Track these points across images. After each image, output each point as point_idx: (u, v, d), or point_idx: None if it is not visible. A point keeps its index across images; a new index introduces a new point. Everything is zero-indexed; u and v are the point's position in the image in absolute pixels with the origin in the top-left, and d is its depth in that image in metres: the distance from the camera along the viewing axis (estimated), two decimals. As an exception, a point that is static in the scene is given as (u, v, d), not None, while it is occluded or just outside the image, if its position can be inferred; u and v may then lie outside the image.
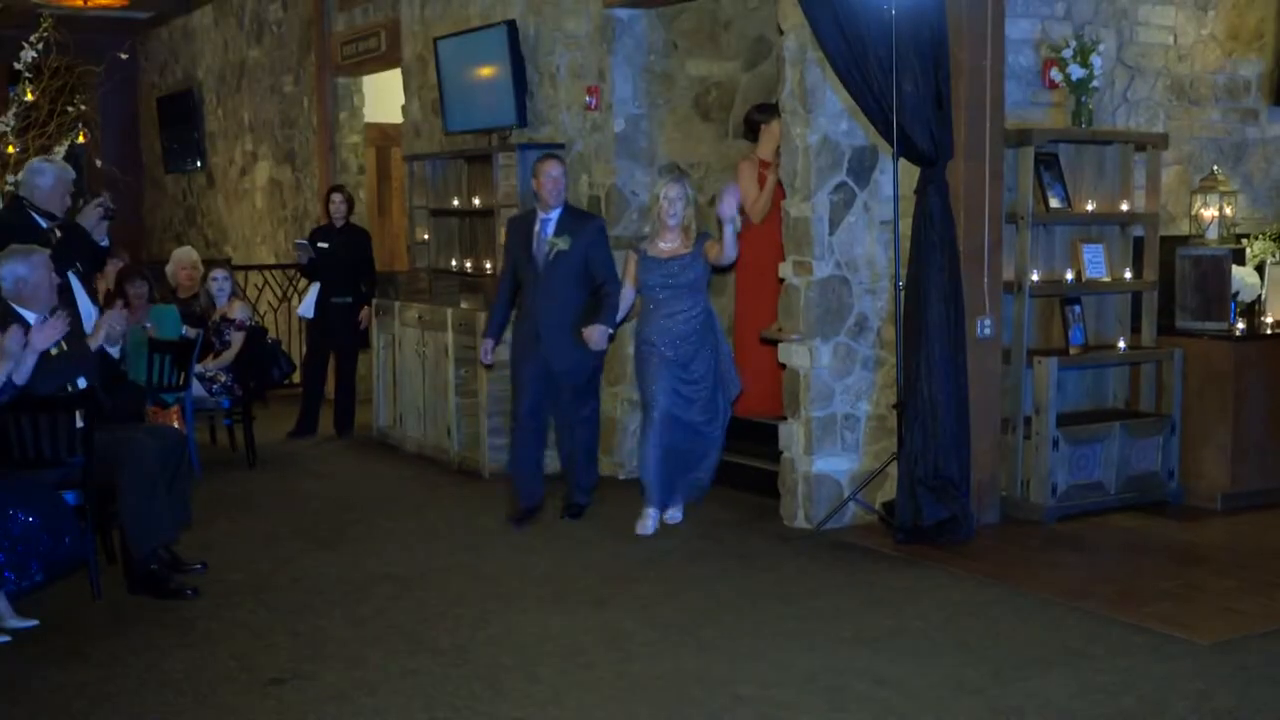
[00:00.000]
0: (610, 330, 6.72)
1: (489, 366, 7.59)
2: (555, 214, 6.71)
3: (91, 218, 6.36)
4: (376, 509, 7.36)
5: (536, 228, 6.74)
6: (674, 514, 6.82)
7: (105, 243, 6.55)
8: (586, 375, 6.85)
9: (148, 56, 16.12)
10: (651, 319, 6.58)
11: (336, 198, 9.75)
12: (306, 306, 9.89)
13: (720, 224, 6.45)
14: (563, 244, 6.64)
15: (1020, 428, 6.78)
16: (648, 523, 6.62)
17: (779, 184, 7.06)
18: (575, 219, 6.79)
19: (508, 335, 7.10)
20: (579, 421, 6.91)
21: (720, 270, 6.97)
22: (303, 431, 9.66)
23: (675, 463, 6.67)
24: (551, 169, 6.71)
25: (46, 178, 6.32)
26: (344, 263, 9.57)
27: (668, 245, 6.55)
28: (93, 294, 6.56)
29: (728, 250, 6.43)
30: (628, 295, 6.75)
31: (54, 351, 5.58)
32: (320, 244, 9.61)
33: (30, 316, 5.55)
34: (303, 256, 9.69)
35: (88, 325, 6.06)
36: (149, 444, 5.73)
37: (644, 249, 6.63)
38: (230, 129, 14.04)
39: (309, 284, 10.03)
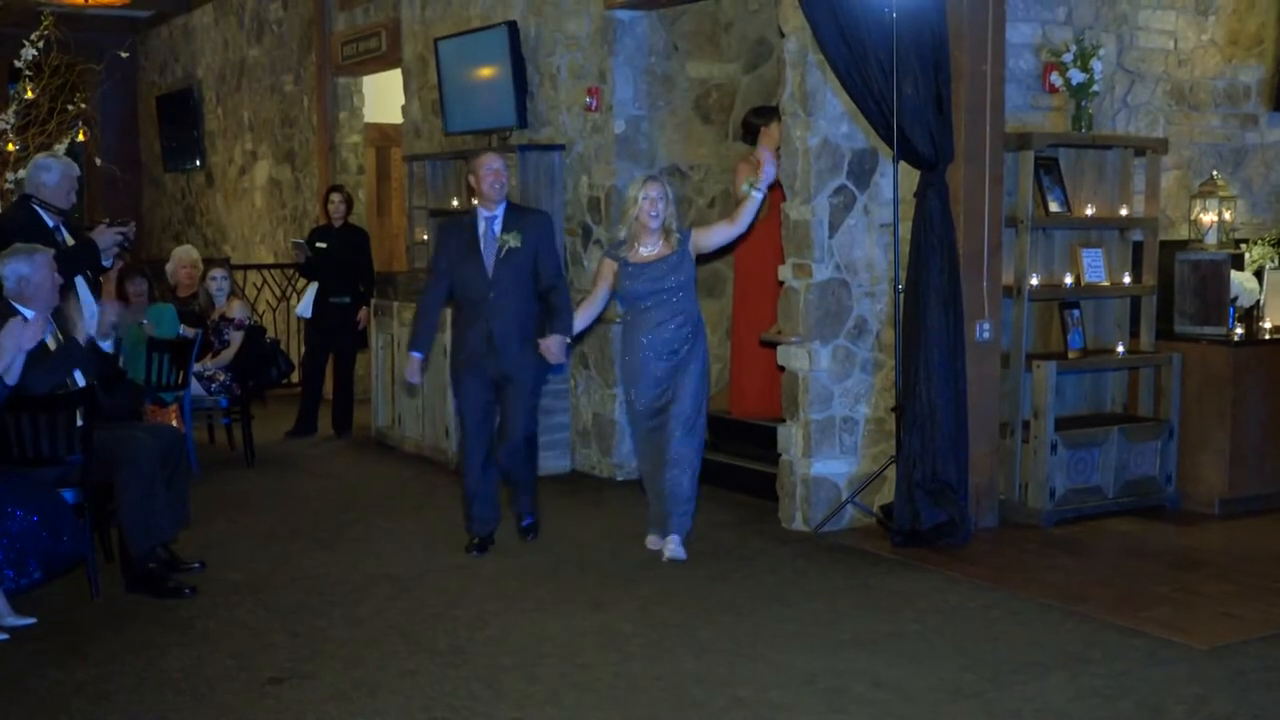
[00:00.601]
0: (568, 340, 6.26)
1: (415, 385, 7.20)
2: (500, 210, 6.23)
3: (108, 241, 6.36)
4: (375, 509, 7.36)
5: (482, 227, 6.23)
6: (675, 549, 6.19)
7: (108, 264, 6.58)
8: (536, 379, 6.38)
9: (148, 55, 16.12)
10: (641, 330, 6.11)
11: (335, 197, 9.76)
12: (305, 306, 9.90)
13: (745, 192, 6.21)
14: (514, 240, 6.16)
15: (1018, 431, 6.78)
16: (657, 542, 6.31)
17: (778, 186, 7.06)
18: (521, 214, 6.34)
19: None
20: (524, 435, 6.35)
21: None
22: (301, 431, 9.67)
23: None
24: (491, 162, 6.20)
25: (52, 174, 6.33)
26: (342, 263, 9.58)
27: (650, 249, 6.10)
28: (96, 293, 6.56)
29: (743, 219, 6.14)
30: (600, 299, 6.30)
31: (52, 346, 5.58)
32: (319, 244, 9.62)
33: (31, 315, 5.54)
34: (300, 255, 9.70)
35: (92, 325, 6.06)
36: (148, 443, 5.73)
37: (624, 256, 6.14)
38: (230, 128, 14.04)
39: (307, 284, 10.03)
